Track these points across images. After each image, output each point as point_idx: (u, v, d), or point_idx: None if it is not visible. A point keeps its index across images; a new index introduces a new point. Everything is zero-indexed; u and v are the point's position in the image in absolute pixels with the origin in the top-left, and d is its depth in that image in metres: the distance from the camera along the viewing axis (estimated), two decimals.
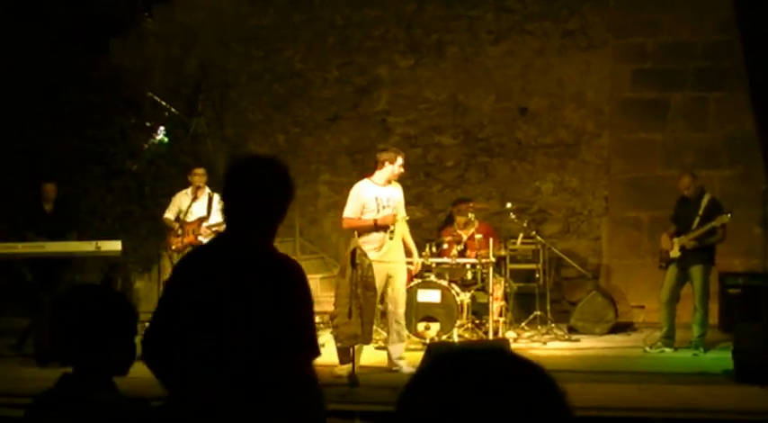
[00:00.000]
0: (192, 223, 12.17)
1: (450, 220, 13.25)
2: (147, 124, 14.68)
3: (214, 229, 12.16)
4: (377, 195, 10.19)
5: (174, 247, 12.28)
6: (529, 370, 1.70)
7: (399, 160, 10.27)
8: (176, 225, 12.21)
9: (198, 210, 12.24)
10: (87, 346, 3.24)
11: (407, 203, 14.03)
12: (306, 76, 15.63)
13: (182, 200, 12.32)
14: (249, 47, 15.70)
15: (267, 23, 15.69)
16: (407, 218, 10.61)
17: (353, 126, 15.47)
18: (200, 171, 12.39)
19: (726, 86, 13.97)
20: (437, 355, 1.74)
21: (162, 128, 14.63)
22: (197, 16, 15.51)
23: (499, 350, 1.74)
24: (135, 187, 14.42)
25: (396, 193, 10.32)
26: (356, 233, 10.00)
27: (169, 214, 12.36)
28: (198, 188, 12.32)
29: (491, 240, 12.04)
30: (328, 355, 9.93)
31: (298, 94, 15.64)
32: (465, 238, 12.32)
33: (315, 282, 13.44)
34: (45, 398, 3.28)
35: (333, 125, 15.53)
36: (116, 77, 14.78)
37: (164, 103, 14.73)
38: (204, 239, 12.11)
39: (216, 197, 12.43)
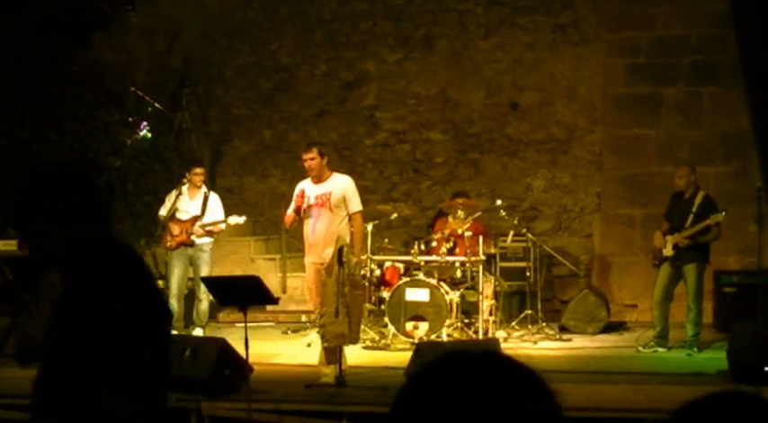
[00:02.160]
0: (186, 222, 12.15)
1: (441, 214, 13.03)
2: (131, 119, 14.58)
3: (208, 228, 12.06)
4: (305, 193, 9.97)
5: (167, 246, 12.21)
6: (520, 372, 1.72)
7: (303, 156, 10.05)
8: (170, 223, 12.09)
9: (192, 208, 12.13)
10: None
11: (396, 200, 13.95)
12: (292, 71, 15.56)
13: (176, 197, 12.23)
14: (235, 41, 15.62)
15: (253, 17, 15.64)
16: (359, 210, 10.16)
17: (341, 121, 15.38)
18: (199, 170, 12.33)
19: (721, 81, 13.84)
20: (430, 357, 1.78)
21: (145, 123, 14.45)
22: (181, 10, 15.43)
23: (491, 353, 1.76)
24: (118, 184, 14.25)
25: (331, 187, 9.95)
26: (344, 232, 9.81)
27: (163, 211, 12.30)
28: (183, 185, 12.17)
29: (480, 238, 11.87)
30: (314, 354, 9.78)
31: (284, 88, 15.57)
32: (460, 231, 12.10)
33: (300, 280, 13.26)
34: None
35: (320, 121, 15.44)
36: (99, 72, 14.68)
37: (147, 98, 14.66)
38: (197, 239, 12.03)
39: (212, 196, 12.35)
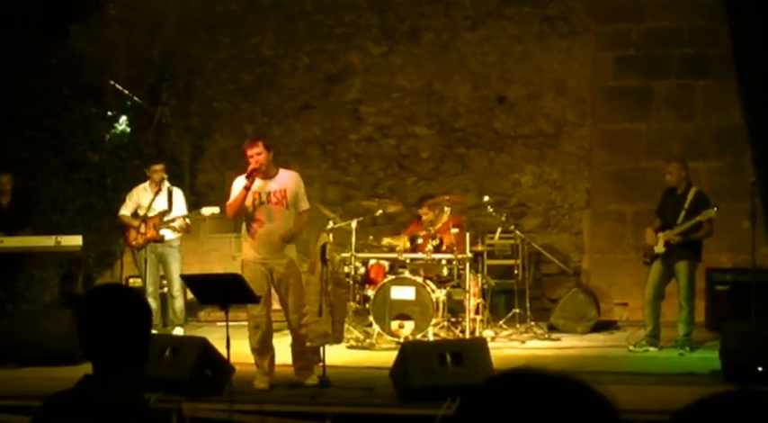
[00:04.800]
0: (153, 218, 11.94)
1: (415, 217, 12.90)
2: (109, 114, 14.50)
3: (172, 224, 11.86)
4: (254, 190, 9.20)
5: (134, 244, 11.98)
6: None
7: (248, 152, 9.21)
8: (135, 222, 11.85)
9: (158, 204, 11.92)
10: (112, 344, 3.04)
11: (381, 196, 13.75)
12: (274, 64, 15.44)
13: (140, 195, 12.07)
14: (215, 33, 15.50)
15: (234, 8, 15.52)
16: (306, 208, 9.61)
17: (324, 115, 15.26)
18: (158, 167, 12.12)
19: (713, 74, 13.75)
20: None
21: (124, 117, 14.27)
22: (161, 1, 15.29)
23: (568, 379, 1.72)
24: (96, 179, 14.14)
25: (286, 185, 9.28)
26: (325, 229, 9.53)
27: (125, 211, 12.09)
28: (160, 181, 11.99)
29: (468, 235, 11.74)
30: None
31: (266, 82, 15.45)
32: (433, 230, 11.96)
33: None
34: (60, 399, 3.01)
35: (303, 114, 15.32)
36: (76, 65, 14.50)
37: (126, 92, 14.55)
38: (166, 234, 11.81)
39: (176, 190, 12.14)
